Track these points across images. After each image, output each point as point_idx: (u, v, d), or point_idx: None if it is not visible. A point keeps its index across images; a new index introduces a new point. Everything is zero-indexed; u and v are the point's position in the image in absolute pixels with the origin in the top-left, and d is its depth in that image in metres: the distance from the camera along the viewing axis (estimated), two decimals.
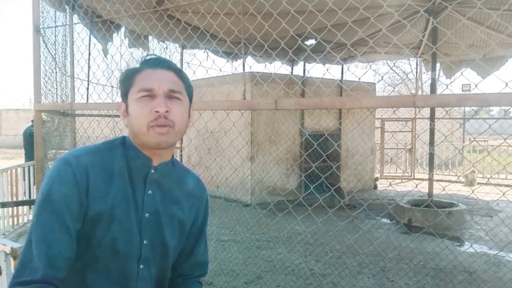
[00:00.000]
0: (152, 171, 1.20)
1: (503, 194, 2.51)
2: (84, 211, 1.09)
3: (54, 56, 4.23)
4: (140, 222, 1.16)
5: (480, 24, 6.41)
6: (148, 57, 1.20)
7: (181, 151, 8.68)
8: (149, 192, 1.19)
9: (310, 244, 5.28)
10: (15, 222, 6.04)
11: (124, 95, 1.18)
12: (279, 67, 10.03)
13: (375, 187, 10.13)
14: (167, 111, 1.11)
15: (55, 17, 4.36)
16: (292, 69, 9.84)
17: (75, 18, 4.48)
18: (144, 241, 1.17)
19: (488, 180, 10.11)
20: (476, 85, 2.04)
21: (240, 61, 8.07)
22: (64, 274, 1.07)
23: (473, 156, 13.76)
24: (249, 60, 8.77)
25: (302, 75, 8.78)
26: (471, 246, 5.26)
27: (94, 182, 1.11)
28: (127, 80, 1.17)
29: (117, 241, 1.12)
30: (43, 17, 3.90)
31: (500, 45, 7.42)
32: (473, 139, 13.62)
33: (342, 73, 9.82)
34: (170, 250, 1.24)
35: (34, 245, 1.04)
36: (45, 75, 3.94)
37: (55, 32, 4.24)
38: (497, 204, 7.83)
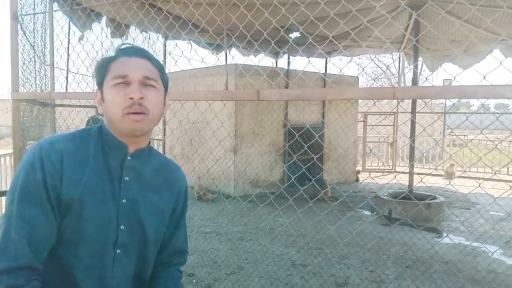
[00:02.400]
0: (129, 157, 1.21)
1: (479, 185, 2.58)
2: (59, 196, 1.09)
3: (32, 44, 4.14)
4: (117, 208, 1.17)
5: (459, 18, 6.51)
6: (123, 46, 1.21)
7: (164, 142, 8.62)
8: (125, 179, 1.19)
9: (292, 235, 5.32)
10: None
11: (100, 83, 1.20)
12: (261, 58, 10.00)
13: (357, 179, 10.25)
14: (141, 98, 1.13)
15: (34, 4, 4.26)
16: (276, 61, 9.84)
17: (55, 6, 4.38)
18: (122, 227, 1.17)
19: (464, 171, 10.32)
20: (454, 78, 2.07)
21: (223, 53, 8.03)
22: (43, 259, 1.08)
23: (453, 150, 14.03)
24: (233, 52, 8.74)
25: (286, 67, 8.79)
26: (447, 235, 5.38)
27: (68, 168, 1.11)
28: (102, 68, 1.19)
29: (91, 225, 1.12)
30: (21, 4, 3.79)
31: (480, 40, 7.55)
32: (452, 133, 13.85)
33: (326, 66, 9.87)
34: (150, 237, 1.24)
35: (15, 232, 1.03)
36: (23, 63, 3.85)
37: (33, 20, 4.13)
38: (475, 196, 8.02)
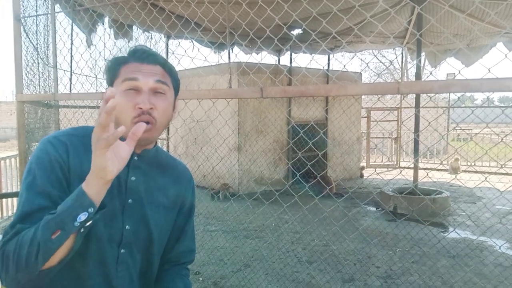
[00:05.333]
0: (135, 158, 1.20)
1: (486, 179, 2.57)
2: (68, 187, 1.09)
3: (35, 46, 4.15)
4: (123, 208, 1.17)
5: (462, 12, 6.47)
6: (136, 49, 1.18)
7: (167, 141, 8.63)
8: (132, 179, 1.19)
9: (297, 232, 5.33)
10: None
11: (110, 85, 1.18)
12: (264, 56, 10.00)
13: (361, 175, 10.23)
14: (151, 108, 1.12)
15: (36, 6, 4.27)
16: (278, 59, 9.83)
17: (57, 7, 4.39)
18: (127, 226, 1.17)
19: (470, 165, 10.26)
20: (459, 71, 2.06)
21: (226, 51, 8.02)
22: None
23: (457, 144, 13.97)
24: (236, 50, 8.75)
25: (289, 65, 8.77)
26: (453, 230, 5.36)
27: (74, 160, 1.10)
28: (113, 70, 1.16)
29: (96, 225, 1.10)
30: (23, 6, 3.80)
31: (483, 33, 7.50)
32: (457, 127, 13.79)
33: (328, 63, 9.84)
34: (155, 237, 1.23)
35: (22, 215, 1.02)
36: (27, 65, 3.86)
37: (36, 21, 4.14)
38: (481, 191, 7.98)
